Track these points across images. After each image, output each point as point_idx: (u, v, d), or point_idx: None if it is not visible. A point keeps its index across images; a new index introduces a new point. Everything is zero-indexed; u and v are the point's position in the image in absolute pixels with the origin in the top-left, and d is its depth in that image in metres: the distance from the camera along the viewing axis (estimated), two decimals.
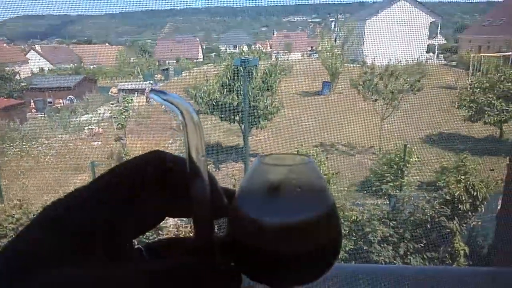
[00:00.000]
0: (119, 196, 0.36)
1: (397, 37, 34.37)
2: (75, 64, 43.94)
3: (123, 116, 13.60)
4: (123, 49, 54.29)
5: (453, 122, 13.89)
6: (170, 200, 0.39)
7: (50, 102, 26.22)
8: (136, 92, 25.45)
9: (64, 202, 0.35)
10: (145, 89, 26.64)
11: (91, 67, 45.17)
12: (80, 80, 28.67)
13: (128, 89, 26.01)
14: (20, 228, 6.62)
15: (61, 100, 26.15)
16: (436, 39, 44.14)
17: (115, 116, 13.96)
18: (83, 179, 11.17)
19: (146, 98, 25.09)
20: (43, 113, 22.96)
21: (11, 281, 0.29)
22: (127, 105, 14.02)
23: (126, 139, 14.00)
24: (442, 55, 44.21)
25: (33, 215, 6.74)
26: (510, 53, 25.15)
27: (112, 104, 24.42)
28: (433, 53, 42.71)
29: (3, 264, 0.31)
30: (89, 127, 18.23)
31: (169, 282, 0.32)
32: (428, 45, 43.04)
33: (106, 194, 0.36)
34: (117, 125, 13.70)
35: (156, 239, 0.42)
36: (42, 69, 45.43)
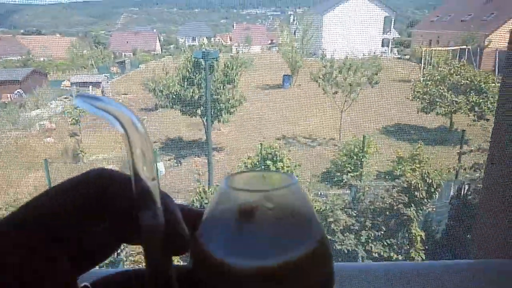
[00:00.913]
0: (55, 228, 0.29)
1: (354, 31, 35.33)
2: (23, 56, 41.32)
3: (77, 111, 12.96)
4: (76, 41, 51.75)
5: (408, 114, 14.51)
6: (117, 228, 0.32)
7: None
8: (90, 86, 24.41)
9: None
10: (100, 83, 25.61)
11: (41, 59, 42.69)
12: (29, 73, 27.00)
13: (82, 82, 24.89)
14: None
15: (8, 95, 24.50)
16: (390, 34, 45.83)
17: (68, 111, 13.27)
18: (37, 177, 10.56)
19: (102, 92, 24.12)
20: None
21: None
22: None
23: (81, 135, 13.38)
24: (396, 49, 45.99)
25: None
26: (457, 47, 26.63)
27: (65, 98, 23.24)
28: (388, 47, 44.34)
29: None
30: (41, 123, 17.25)
31: None
32: (382, 39, 44.62)
33: (40, 226, 0.29)
34: (71, 120, 13.04)
35: (101, 277, 0.34)
36: None
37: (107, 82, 27.63)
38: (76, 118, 12.75)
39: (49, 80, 28.40)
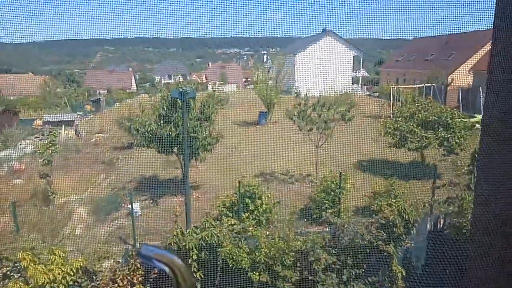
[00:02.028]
0: None
1: (325, 70, 36.78)
2: None
3: (49, 151, 12.57)
4: (49, 79, 51.14)
5: (380, 149, 14.90)
6: None
7: None
8: (63, 125, 23.91)
9: None
10: (73, 121, 25.14)
11: (11, 98, 41.70)
12: None
13: (55, 121, 24.37)
14: None
15: None
16: (360, 72, 47.89)
17: (39, 151, 12.86)
18: (3, 222, 10.00)
19: (75, 131, 23.63)
20: None
21: None
22: (53, 138, 13.01)
23: (52, 176, 12.92)
24: (365, 87, 47.92)
25: None
26: (423, 85, 28.02)
27: (36, 137, 22.60)
28: (358, 84, 46.17)
29: None
30: (9, 163, 16.60)
31: None
32: (352, 77, 46.52)
33: None
34: (43, 161, 12.60)
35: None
36: None
37: (81, 120, 27.20)
38: (48, 159, 12.34)
39: (20, 118, 27.66)
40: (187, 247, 6.29)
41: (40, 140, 20.65)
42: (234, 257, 6.31)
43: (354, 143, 16.89)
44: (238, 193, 8.85)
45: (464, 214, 7.22)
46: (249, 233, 6.76)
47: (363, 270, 6.51)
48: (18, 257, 5.91)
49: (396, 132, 13.68)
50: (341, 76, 39.69)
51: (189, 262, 6.23)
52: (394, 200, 8.62)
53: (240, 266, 6.30)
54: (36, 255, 6.05)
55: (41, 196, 11.91)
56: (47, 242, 7.27)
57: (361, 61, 47.86)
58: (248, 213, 8.98)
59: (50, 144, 12.57)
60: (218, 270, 6.48)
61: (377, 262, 6.58)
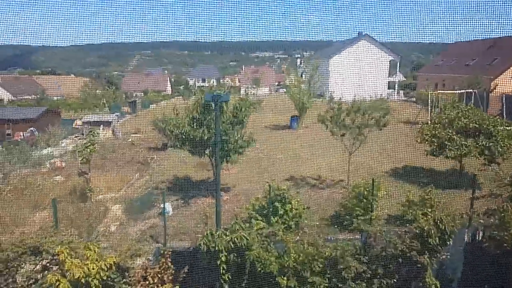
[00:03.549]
0: None
1: (360, 74, 36.12)
2: (38, 95, 42.56)
3: (88, 150, 13.09)
4: (89, 81, 53.42)
5: (416, 156, 14.42)
6: None
7: (9, 135, 25.03)
8: (102, 125, 24.85)
9: None
10: (111, 122, 26.08)
11: (55, 98, 43.87)
12: (43, 112, 27.69)
13: (94, 121, 25.37)
14: None
15: (21, 133, 25.01)
16: (396, 76, 46.66)
17: (79, 149, 13.42)
18: (43, 217, 10.51)
19: (113, 131, 24.50)
20: (0, 146, 21.80)
21: None
22: (92, 138, 13.54)
23: (90, 174, 13.44)
24: (402, 92, 46.61)
25: None
26: (463, 91, 26.91)
27: (76, 137, 23.64)
28: (394, 89, 45.00)
29: None
30: (51, 161, 17.44)
31: None
32: (388, 82, 45.41)
33: None
34: (81, 159, 13.14)
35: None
36: (1, 100, 43.60)
37: (118, 121, 28.18)
38: (87, 157, 12.85)
39: (62, 118, 29.04)
40: (216, 248, 6.34)
41: (80, 139, 21.59)
42: (262, 261, 6.30)
43: (388, 150, 16.45)
44: (268, 196, 8.83)
45: (505, 227, 6.85)
46: (278, 237, 6.73)
47: (395, 280, 6.31)
48: (56, 251, 6.17)
49: (433, 139, 13.20)
50: (377, 80, 38.87)
51: (218, 263, 6.28)
52: (429, 210, 8.31)
53: (268, 270, 6.28)
54: (73, 249, 6.30)
55: (79, 193, 12.42)
56: (83, 237, 7.57)
57: (398, 66, 46.66)
58: (278, 217, 8.95)
59: (89, 144, 13.08)
60: (246, 273, 6.48)
61: (410, 273, 6.35)
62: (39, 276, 6.32)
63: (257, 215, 8.86)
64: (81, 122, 27.18)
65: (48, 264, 6.46)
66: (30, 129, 25.13)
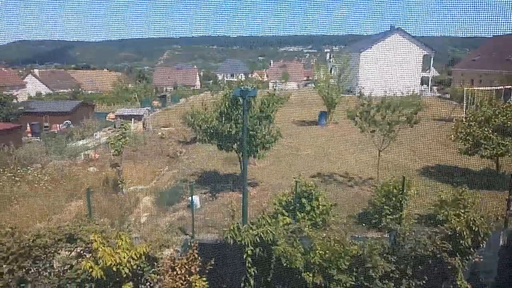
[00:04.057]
0: None
1: (392, 69, 35.17)
2: (73, 89, 44.17)
3: (120, 142, 13.50)
4: (122, 75, 54.90)
5: (450, 155, 13.96)
6: None
7: (47, 127, 26.16)
8: (133, 118, 25.52)
9: None
10: (142, 115, 26.72)
11: (89, 92, 45.39)
12: (78, 105, 28.76)
13: (125, 115, 26.08)
14: (11, 257, 6.40)
15: (57, 125, 26.10)
16: (430, 72, 45.17)
17: (111, 142, 13.87)
18: (78, 206, 10.96)
19: (143, 124, 25.11)
20: (38, 137, 22.84)
21: None
22: (124, 131, 13.94)
23: (122, 166, 13.86)
24: (435, 88, 45.10)
25: (25, 243, 6.55)
26: (501, 87, 25.73)
27: (109, 129, 24.41)
28: (427, 85, 43.60)
29: None
30: (85, 152, 18.10)
31: None
32: (422, 77, 44.02)
33: None
34: (114, 151, 13.58)
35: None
36: (39, 94, 45.58)
37: (149, 115, 28.86)
38: (119, 149, 13.26)
39: (95, 112, 30.07)
40: (242, 242, 6.41)
41: (112, 132, 22.27)
42: (288, 256, 6.31)
43: (420, 148, 15.99)
44: (294, 192, 8.82)
45: None
46: (304, 233, 6.72)
47: (424, 281, 6.17)
48: (90, 239, 6.44)
49: (468, 137, 12.73)
50: (409, 76, 37.73)
51: (244, 257, 6.35)
52: (462, 211, 8.05)
53: (294, 266, 6.28)
54: (105, 238, 6.54)
55: (112, 184, 12.84)
56: (115, 227, 7.83)
57: (432, 61, 45.13)
58: (304, 214, 8.92)
59: (121, 136, 13.48)
60: (272, 268, 6.52)
61: (440, 275, 6.18)
62: (73, 262, 6.61)
63: (283, 210, 8.87)
64: (113, 115, 28.02)
65: (82, 252, 6.74)
66: (66, 121, 26.17)
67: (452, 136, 13.47)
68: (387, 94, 13.80)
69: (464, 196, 8.80)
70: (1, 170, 13.45)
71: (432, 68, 46.71)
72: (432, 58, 44.74)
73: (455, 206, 8.67)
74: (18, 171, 13.49)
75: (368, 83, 31.64)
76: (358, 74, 36.42)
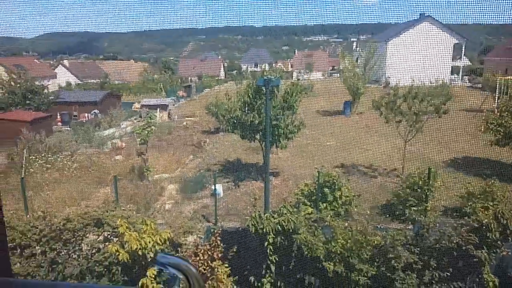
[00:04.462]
0: None
1: (420, 58, 34.11)
2: (101, 80, 45.24)
3: (146, 132, 13.81)
4: (147, 66, 55.79)
5: (479, 146, 13.51)
6: None
7: (76, 116, 26.98)
8: (158, 108, 25.94)
9: None
10: (167, 105, 27.13)
11: (116, 82, 46.37)
12: (105, 95, 29.46)
13: (151, 104, 26.54)
14: (43, 240, 6.71)
15: (86, 114, 26.87)
16: (460, 61, 43.53)
17: (137, 131, 14.20)
18: (106, 193, 11.33)
19: (169, 114, 25.51)
20: (68, 126, 23.62)
21: None
22: (149, 120, 14.23)
23: (147, 154, 14.19)
24: (466, 77, 43.48)
25: (56, 227, 6.86)
26: None
27: (135, 119, 24.94)
28: (457, 74, 42.07)
29: None
30: (112, 141, 18.60)
31: None
32: (452, 67, 42.47)
33: None
34: (140, 140, 13.92)
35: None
36: (69, 84, 46.96)
37: (174, 105, 29.26)
38: (145, 138, 13.57)
39: (122, 102, 30.74)
40: (264, 230, 6.47)
41: (138, 121, 22.75)
42: (309, 245, 6.32)
43: (447, 139, 15.54)
44: (317, 182, 8.79)
45: None
46: (326, 223, 6.71)
47: (448, 274, 6.05)
48: (116, 224, 6.67)
49: (499, 128, 12.28)
50: (439, 65, 36.49)
51: (265, 245, 6.41)
52: (491, 203, 7.81)
53: (315, 255, 6.30)
54: (131, 223, 6.76)
55: (137, 172, 13.17)
56: (141, 213, 8.07)
57: (463, 49, 43.41)
58: (326, 204, 8.90)
59: (147, 126, 13.78)
60: (293, 256, 6.56)
61: (465, 268, 6.05)
62: (101, 246, 6.87)
63: (305, 200, 8.88)
64: (139, 105, 28.57)
65: (109, 236, 6.99)
66: (94, 111, 26.89)
67: (482, 127, 13.02)
68: (415, 84, 13.45)
69: (493, 189, 8.53)
70: (34, 157, 14.03)
71: (464, 57, 44.98)
72: (463, 47, 43.06)
73: (483, 198, 8.42)
74: (49, 158, 14.03)
75: (396, 72, 30.88)
76: (385, 64, 35.53)
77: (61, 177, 12.70)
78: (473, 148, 14.01)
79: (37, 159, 13.83)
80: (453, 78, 39.24)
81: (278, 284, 6.47)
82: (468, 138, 15.24)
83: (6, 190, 10.70)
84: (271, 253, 6.46)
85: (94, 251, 6.89)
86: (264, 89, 9.97)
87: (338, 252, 6.23)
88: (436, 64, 35.41)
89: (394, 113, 12.46)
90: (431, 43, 36.56)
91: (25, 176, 11.17)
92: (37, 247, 6.78)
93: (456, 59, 43.38)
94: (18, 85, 24.93)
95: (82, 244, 6.97)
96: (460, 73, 42.60)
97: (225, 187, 12.03)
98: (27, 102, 24.45)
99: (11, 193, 10.19)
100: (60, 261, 6.77)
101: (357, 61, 29.57)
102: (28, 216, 7.23)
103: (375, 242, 6.22)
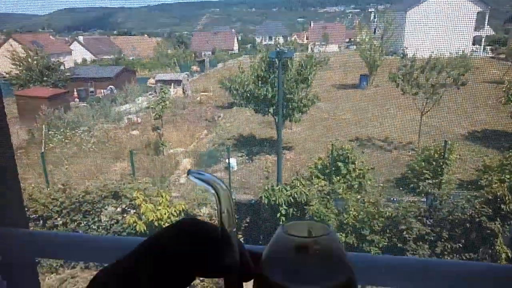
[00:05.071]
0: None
1: (440, 28, 32.89)
2: (115, 55, 45.35)
3: (160, 107, 13.92)
4: (161, 41, 55.46)
5: (499, 119, 13.17)
6: (201, 265, 0.43)
7: (92, 92, 27.31)
8: (172, 83, 25.99)
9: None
10: (181, 80, 27.14)
11: (131, 58, 46.44)
12: (120, 71, 29.60)
13: (165, 80, 26.59)
14: (64, 211, 6.96)
15: (102, 90, 27.15)
16: (483, 31, 41.80)
17: (152, 106, 14.32)
18: (123, 167, 11.60)
19: (183, 89, 25.56)
20: (85, 102, 23.97)
21: None
22: (164, 96, 14.31)
23: (162, 129, 14.35)
24: (489, 48, 41.86)
25: (76, 199, 7.11)
26: None
27: (150, 94, 25.09)
28: (480, 45, 40.52)
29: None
30: (128, 116, 18.84)
31: None
32: (474, 37, 40.85)
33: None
34: (155, 115, 14.06)
35: None
36: (84, 60, 47.29)
37: (188, 80, 29.24)
38: (159, 113, 13.70)
39: (137, 77, 30.89)
40: (277, 202, 6.57)
41: (153, 97, 22.89)
42: (321, 217, 6.41)
43: (466, 111, 15.18)
44: (330, 156, 8.78)
45: None
46: (339, 196, 6.76)
47: (460, 245, 6.07)
48: (133, 196, 6.86)
49: None
50: (460, 35, 35.15)
51: (278, 216, 6.53)
52: (508, 176, 7.69)
53: None
54: (147, 195, 6.95)
55: (153, 146, 13.39)
56: (157, 186, 8.26)
57: (487, 18, 41.57)
58: (340, 177, 8.91)
59: (161, 101, 13.87)
60: None
61: (478, 239, 6.05)
62: (119, 218, 7.11)
63: (318, 173, 8.90)
64: (154, 80, 28.66)
65: (126, 208, 7.22)
66: (110, 87, 27.15)
67: (503, 99, 12.65)
68: (433, 55, 13.05)
69: (510, 162, 8.37)
70: (53, 132, 14.38)
71: (487, 26, 43.14)
72: (487, 15, 41.22)
73: (501, 171, 8.29)
74: (68, 134, 14.36)
75: (414, 43, 29.94)
76: (403, 34, 34.44)
77: (80, 152, 13.03)
78: (493, 120, 13.67)
79: (56, 135, 14.17)
80: (474, 48, 37.80)
81: None
82: (488, 110, 14.84)
83: (28, 164, 11.06)
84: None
85: (112, 223, 7.15)
86: (277, 62, 9.84)
87: (350, 223, 6.30)
88: (457, 35, 34.14)
89: (411, 84, 12.19)
90: (452, 11, 35.09)
91: (45, 151, 11.51)
92: (58, 219, 7.07)
93: (479, 29, 41.65)
94: (35, 62, 25.23)
95: (101, 216, 7.24)
96: (482, 43, 41.02)
97: (239, 161, 12.14)
98: (44, 78, 24.80)
99: (32, 168, 10.54)
100: (80, 232, 7.06)
101: (374, 32, 28.73)
102: (48, 189, 7.49)
103: (387, 214, 6.26)
